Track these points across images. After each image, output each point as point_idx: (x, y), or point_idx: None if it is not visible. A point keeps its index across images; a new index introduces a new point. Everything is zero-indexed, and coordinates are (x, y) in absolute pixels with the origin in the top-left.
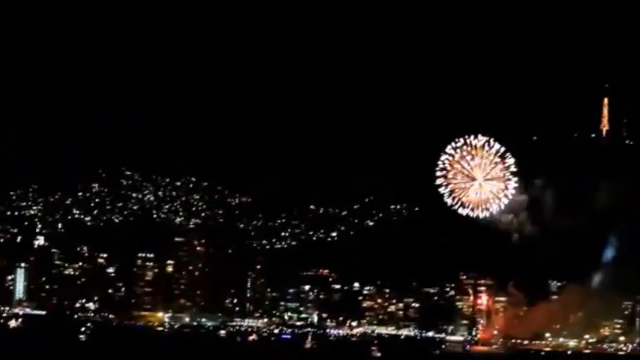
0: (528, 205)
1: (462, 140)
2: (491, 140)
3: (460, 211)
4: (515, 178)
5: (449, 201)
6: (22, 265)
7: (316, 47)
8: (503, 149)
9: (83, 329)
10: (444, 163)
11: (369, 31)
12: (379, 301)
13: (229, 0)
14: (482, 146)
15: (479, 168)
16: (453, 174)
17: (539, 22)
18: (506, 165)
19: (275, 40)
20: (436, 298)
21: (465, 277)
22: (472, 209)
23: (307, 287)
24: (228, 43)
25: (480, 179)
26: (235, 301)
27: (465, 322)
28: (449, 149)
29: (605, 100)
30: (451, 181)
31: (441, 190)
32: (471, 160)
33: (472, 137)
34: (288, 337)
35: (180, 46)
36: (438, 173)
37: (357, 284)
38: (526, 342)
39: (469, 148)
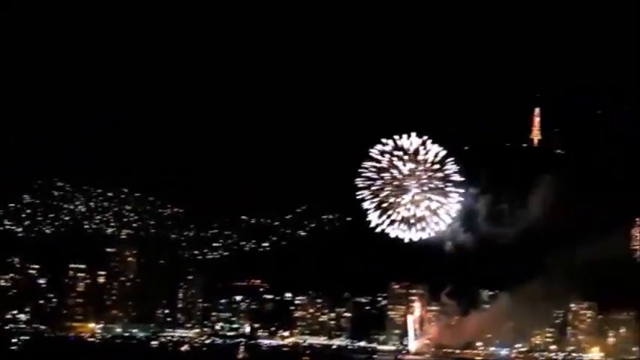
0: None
1: (390, 142)
2: (429, 142)
3: (389, 230)
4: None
5: (374, 218)
6: None
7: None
8: (443, 153)
9: (15, 340)
10: (369, 171)
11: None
12: (311, 310)
13: None
14: (417, 150)
15: (412, 176)
16: (381, 184)
17: (477, 29)
18: (447, 173)
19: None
20: (368, 307)
21: (397, 286)
22: (404, 229)
23: (239, 297)
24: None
25: (415, 190)
26: (167, 311)
27: (396, 331)
28: (375, 153)
29: (536, 110)
30: (378, 193)
31: (366, 205)
32: (403, 166)
33: (404, 138)
34: None
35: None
36: (361, 184)
37: (289, 294)
38: (458, 351)
39: (400, 152)
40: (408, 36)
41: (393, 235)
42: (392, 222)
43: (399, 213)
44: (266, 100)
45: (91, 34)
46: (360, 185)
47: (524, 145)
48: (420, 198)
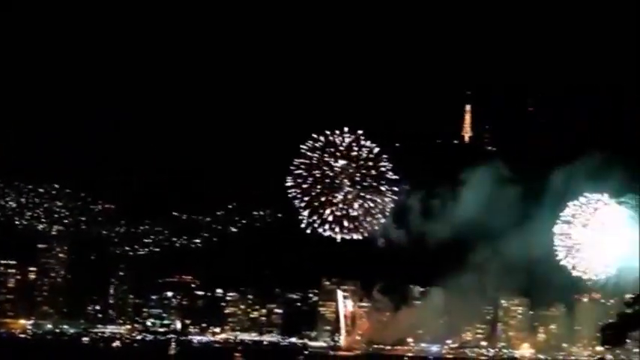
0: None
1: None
2: (362, 139)
3: (321, 230)
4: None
5: (305, 217)
6: None
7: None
8: (376, 150)
9: None
10: (299, 168)
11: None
12: (242, 307)
13: None
14: (350, 146)
15: (345, 174)
16: (312, 182)
17: (409, 26)
18: (380, 171)
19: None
20: (299, 304)
21: (327, 282)
22: (335, 229)
23: (170, 294)
24: None
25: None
26: (98, 307)
27: (328, 327)
28: (306, 149)
29: (467, 107)
30: (309, 191)
31: (297, 203)
32: (335, 163)
33: (337, 134)
34: None
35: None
36: (290, 182)
37: (220, 290)
38: (389, 347)
39: (332, 149)
40: (342, 31)
41: (325, 234)
42: (323, 222)
43: (331, 212)
44: (198, 96)
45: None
46: (291, 183)
47: (456, 141)
48: (352, 196)
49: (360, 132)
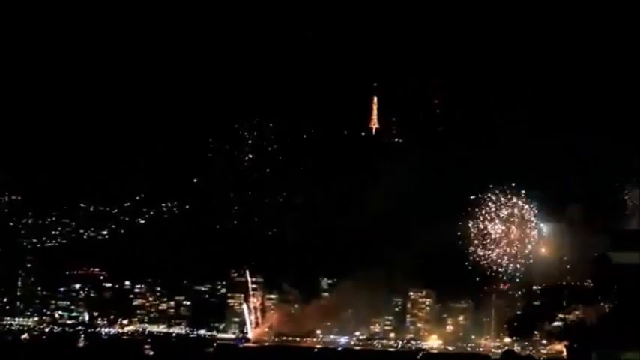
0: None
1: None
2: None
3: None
4: None
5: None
6: None
7: None
8: None
9: None
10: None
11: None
12: (150, 299)
13: None
14: None
15: None
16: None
17: (313, 15)
18: None
19: None
20: (207, 295)
21: (236, 274)
22: None
23: (78, 286)
24: None
25: None
26: (5, 299)
27: (236, 319)
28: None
29: (375, 99)
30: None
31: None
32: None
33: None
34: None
35: None
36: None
37: (128, 282)
38: (298, 339)
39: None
40: (245, 23)
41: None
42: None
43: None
44: (109, 83)
45: None
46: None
47: (363, 134)
48: None
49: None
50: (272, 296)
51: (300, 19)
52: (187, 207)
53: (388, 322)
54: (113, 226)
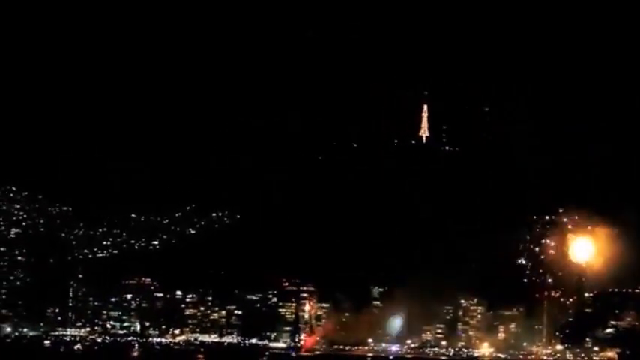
0: None
1: None
2: None
3: None
4: None
5: None
6: None
7: None
8: None
9: None
10: None
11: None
12: (202, 308)
13: None
14: None
15: None
16: None
17: (359, 24)
18: None
19: None
20: (258, 305)
21: (287, 283)
22: None
23: (129, 296)
24: None
25: None
26: (57, 310)
27: (287, 328)
28: None
29: (425, 107)
30: None
31: None
32: None
33: None
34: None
35: None
36: None
37: (179, 292)
38: (349, 347)
39: None
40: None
41: None
42: None
43: None
44: (156, 96)
45: None
46: None
47: (413, 142)
48: None
49: None
50: (324, 305)
51: (350, 27)
52: (238, 216)
53: (440, 330)
54: (164, 236)
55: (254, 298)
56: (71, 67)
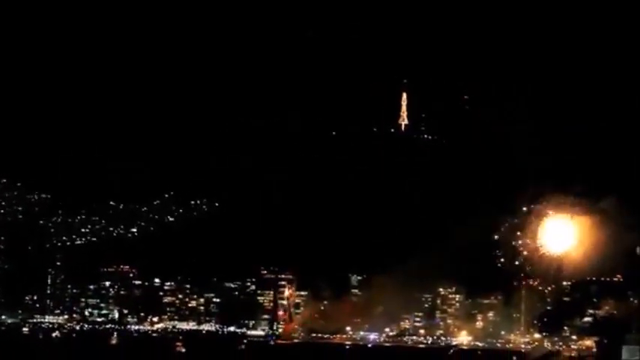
0: None
1: None
2: None
3: None
4: None
5: None
6: None
7: None
8: None
9: None
10: None
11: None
12: (180, 296)
13: None
14: None
15: None
16: None
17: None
18: None
19: None
20: (237, 293)
21: (265, 271)
22: None
23: (108, 283)
24: None
25: None
26: (35, 297)
27: (266, 316)
28: None
29: (404, 95)
30: None
31: None
32: None
33: None
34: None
35: None
36: None
37: (157, 280)
38: (327, 336)
39: None
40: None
41: None
42: None
43: None
44: (135, 83)
45: None
46: None
47: (392, 130)
48: None
49: None
50: (303, 293)
51: (330, 15)
52: (216, 204)
53: (418, 319)
54: (142, 224)
55: (232, 286)
56: (56, 60)
